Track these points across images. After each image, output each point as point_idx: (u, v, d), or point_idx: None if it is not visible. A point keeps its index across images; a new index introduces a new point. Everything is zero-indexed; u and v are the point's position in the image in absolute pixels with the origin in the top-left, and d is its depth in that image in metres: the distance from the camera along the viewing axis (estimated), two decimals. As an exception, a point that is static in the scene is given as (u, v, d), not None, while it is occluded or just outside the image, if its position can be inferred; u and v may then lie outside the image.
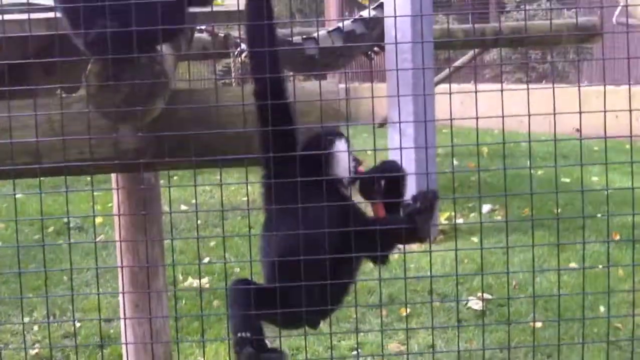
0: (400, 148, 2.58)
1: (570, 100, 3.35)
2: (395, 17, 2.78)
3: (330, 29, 7.46)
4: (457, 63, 9.84)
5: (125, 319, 3.10)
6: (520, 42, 8.44)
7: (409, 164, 2.78)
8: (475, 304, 5.68)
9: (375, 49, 7.99)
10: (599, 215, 6.20)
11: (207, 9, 2.74)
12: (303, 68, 7.16)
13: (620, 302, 5.39)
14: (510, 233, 6.65)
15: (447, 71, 9.63)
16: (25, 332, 5.50)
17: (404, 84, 3.23)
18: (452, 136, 2.73)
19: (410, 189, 2.55)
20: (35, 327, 5.65)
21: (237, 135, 2.61)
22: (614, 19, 8.95)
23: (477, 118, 2.58)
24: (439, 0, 15.45)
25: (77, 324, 5.58)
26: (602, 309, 5.20)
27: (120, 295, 3.68)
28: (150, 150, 2.68)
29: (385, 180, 2.52)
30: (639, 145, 4.72)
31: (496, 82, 13.64)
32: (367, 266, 2.60)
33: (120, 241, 3.72)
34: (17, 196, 2.74)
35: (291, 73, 6.43)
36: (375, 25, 7.40)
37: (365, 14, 7.77)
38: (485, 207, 7.92)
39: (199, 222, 7.33)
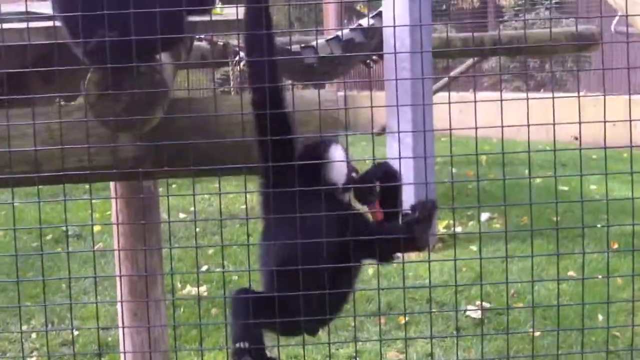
0: (400, 158, 2.58)
1: (568, 108, 3.35)
2: (394, 26, 2.78)
3: (329, 37, 7.46)
4: (455, 72, 9.85)
5: (123, 327, 3.10)
6: (519, 50, 8.44)
7: (407, 172, 2.78)
8: (474, 312, 5.68)
9: (374, 57, 8.01)
10: (598, 225, 6.20)
11: (207, 18, 2.75)
12: (302, 77, 7.17)
13: (619, 311, 5.38)
14: (509, 241, 6.64)
15: (445, 79, 9.63)
16: (23, 340, 5.50)
17: (402, 93, 3.23)
18: (450, 145, 2.73)
19: (409, 198, 2.55)
20: (34, 335, 5.64)
21: (235, 144, 2.61)
22: (612, 28, 8.95)
23: (476, 128, 2.58)
24: (438, 9, 15.49)
25: (76, 332, 5.57)
26: (600, 317, 5.19)
27: (119, 304, 3.68)
28: (149, 159, 2.68)
29: (381, 182, 2.53)
30: (636, 153, 4.72)
31: (494, 90, 13.63)
32: (366, 275, 2.61)
33: (119, 250, 3.72)
34: (15, 204, 2.73)
35: (290, 82, 6.43)
36: (374, 34, 7.40)
37: (364, 22, 7.77)
38: (484, 216, 7.90)
39: (197, 230, 7.32)
